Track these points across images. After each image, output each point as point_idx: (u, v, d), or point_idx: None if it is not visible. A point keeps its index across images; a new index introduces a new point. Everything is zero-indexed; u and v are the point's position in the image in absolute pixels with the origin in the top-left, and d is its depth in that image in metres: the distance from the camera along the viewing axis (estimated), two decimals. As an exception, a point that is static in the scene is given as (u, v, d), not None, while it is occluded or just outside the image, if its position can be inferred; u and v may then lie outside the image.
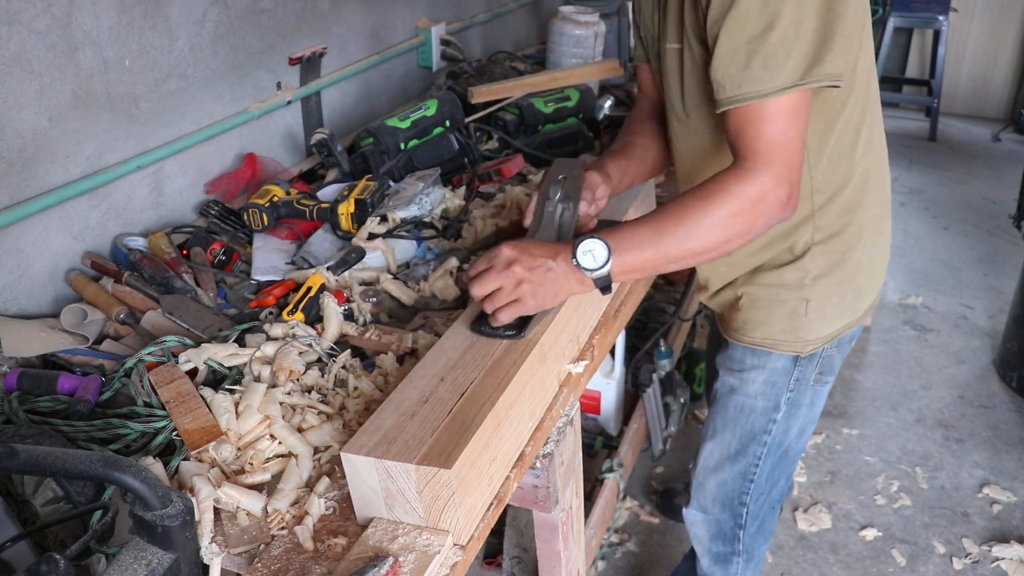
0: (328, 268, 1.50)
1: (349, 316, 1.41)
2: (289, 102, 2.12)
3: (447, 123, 1.98)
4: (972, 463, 2.61)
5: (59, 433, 1.10)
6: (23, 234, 1.48)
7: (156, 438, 1.11)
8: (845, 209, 1.31)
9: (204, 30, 1.82)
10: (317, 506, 1.00)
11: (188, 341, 1.29)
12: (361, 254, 1.56)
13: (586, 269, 1.10)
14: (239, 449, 1.09)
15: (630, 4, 3.11)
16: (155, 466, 1.03)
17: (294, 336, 1.29)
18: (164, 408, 1.14)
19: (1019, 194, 3.09)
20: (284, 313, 1.37)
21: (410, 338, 1.30)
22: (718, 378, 1.55)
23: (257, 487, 1.05)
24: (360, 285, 1.51)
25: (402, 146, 1.91)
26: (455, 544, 0.94)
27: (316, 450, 1.11)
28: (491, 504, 1.02)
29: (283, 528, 0.99)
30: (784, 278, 1.35)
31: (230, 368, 1.24)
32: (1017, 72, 5.68)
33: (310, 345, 1.28)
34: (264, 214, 1.68)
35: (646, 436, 2.43)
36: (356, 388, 1.20)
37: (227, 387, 1.18)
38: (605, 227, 1.18)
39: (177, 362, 1.23)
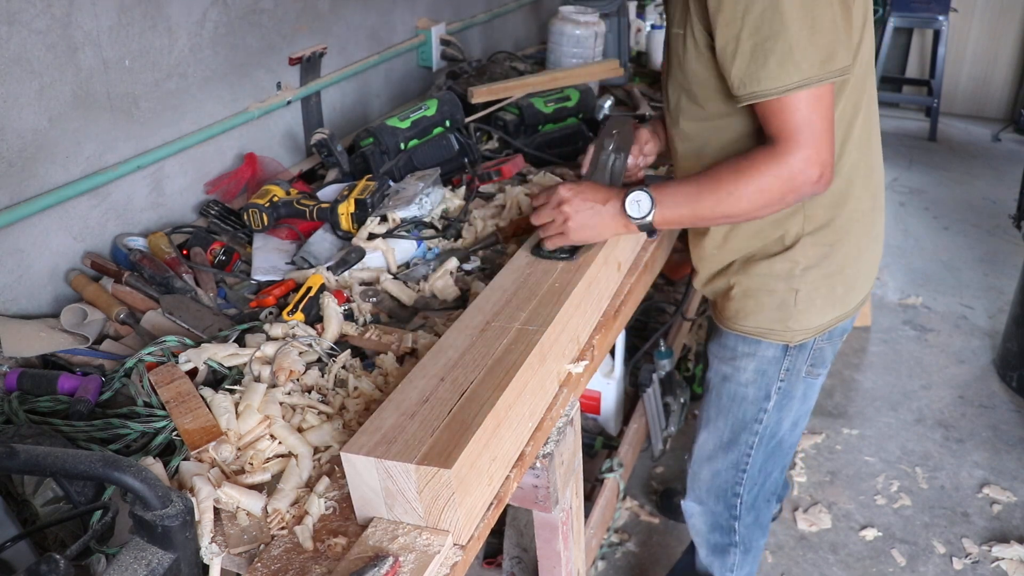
0: (328, 268, 1.50)
1: (349, 316, 1.41)
2: (289, 102, 2.12)
3: (447, 123, 1.98)
4: (972, 463, 2.61)
5: (59, 433, 1.10)
6: (23, 234, 1.48)
7: (156, 438, 1.11)
8: (835, 200, 1.34)
9: (204, 30, 1.82)
10: (317, 506, 1.00)
11: (188, 341, 1.29)
12: (361, 254, 1.56)
13: (632, 217, 1.28)
14: (239, 449, 1.09)
15: (630, 4, 3.11)
16: (155, 466, 1.03)
17: (294, 336, 1.29)
18: (164, 408, 1.14)
19: (1019, 194, 3.09)
20: (284, 313, 1.37)
21: (410, 338, 1.30)
22: (711, 367, 1.58)
23: (257, 487, 1.05)
24: (360, 285, 1.51)
25: (402, 146, 1.90)
26: (455, 544, 0.94)
27: (316, 450, 1.11)
28: (491, 504, 1.02)
29: (283, 528, 0.99)
30: (774, 268, 1.39)
31: (230, 368, 1.24)
32: (1017, 72, 5.68)
33: (310, 345, 1.28)
34: (264, 214, 1.68)
35: (646, 436, 2.43)
36: (356, 388, 1.20)
37: (227, 387, 1.18)
38: (653, 182, 1.34)
39: (177, 362, 1.23)
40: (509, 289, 1.27)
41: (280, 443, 1.11)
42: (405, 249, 1.62)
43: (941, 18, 5.26)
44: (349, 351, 1.29)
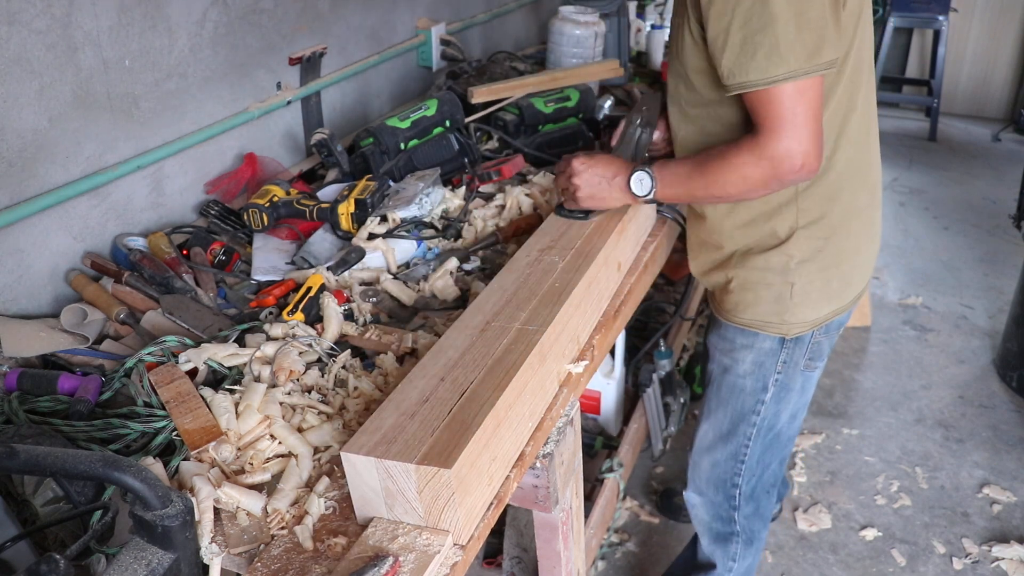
0: (328, 268, 1.50)
1: (349, 316, 1.41)
2: (289, 102, 2.12)
3: (447, 123, 1.98)
4: (972, 463, 2.61)
5: (59, 433, 1.10)
6: (23, 234, 1.48)
7: (156, 438, 1.11)
8: (828, 195, 1.37)
9: (204, 30, 1.82)
10: (317, 506, 1.00)
11: (188, 341, 1.29)
12: (361, 254, 1.56)
13: (636, 193, 1.40)
14: (239, 449, 1.09)
15: (630, 4, 3.11)
16: (155, 466, 1.03)
17: (294, 336, 1.29)
18: (164, 408, 1.14)
19: (1019, 194, 3.09)
20: (284, 313, 1.37)
21: (410, 338, 1.30)
22: (712, 360, 1.61)
23: (257, 487, 1.05)
24: (360, 285, 1.51)
25: (402, 146, 1.90)
26: (455, 544, 0.94)
27: (316, 450, 1.11)
28: (491, 504, 1.02)
29: (283, 528, 0.99)
30: (770, 262, 1.42)
31: (230, 368, 1.24)
32: (1017, 72, 5.68)
33: (310, 345, 1.28)
34: (264, 214, 1.68)
35: (646, 436, 2.43)
36: (356, 388, 1.20)
37: (227, 387, 1.18)
38: (659, 160, 1.44)
39: (177, 362, 1.23)
40: (509, 289, 1.27)
41: (280, 443, 1.11)
42: (405, 249, 1.62)
43: (941, 18, 5.26)
44: (349, 351, 1.29)
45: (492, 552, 2.10)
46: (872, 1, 5.40)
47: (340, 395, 1.20)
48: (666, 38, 2.88)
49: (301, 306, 1.38)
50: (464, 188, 1.84)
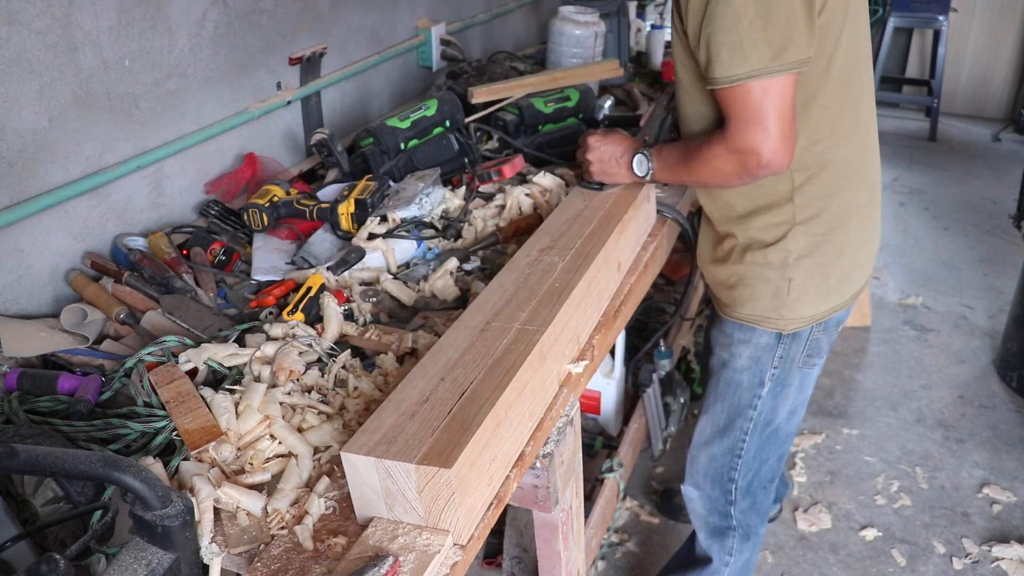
0: (328, 268, 1.50)
1: (349, 316, 1.41)
2: (289, 102, 2.12)
3: (447, 123, 1.98)
4: (972, 463, 2.61)
5: (59, 433, 1.10)
6: (23, 234, 1.48)
7: (156, 438, 1.11)
8: (825, 192, 1.39)
9: (204, 30, 1.82)
10: (317, 506, 1.00)
11: (188, 341, 1.29)
12: (361, 254, 1.56)
13: (637, 173, 1.51)
14: (239, 449, 1.09)
15: (630, 4, 3.11)
16: (155, 466, 1.03)
17: (294, 336, 1.29)
18: (164, 408, 1.14)
19: (1019, 194, 3.09)
20: (284, 313, 1.37)
21: (410, 338, 1.30)
22: (713, 354, 1.64)
23: (257, 487, 1.05)
24: (360, 285, 1.51)
25: (402, 146, 1.90)
26: (455, 544, 0.94)
27: (316, 450, 1.11)
28: (491, 504, 1.02)
29: (283, 528, 0.99)
30: (769, 257, 1.44)
31: (230, 368, 1.24)
32: (1017, 72, 5.68)
33: (310, 345, 1.28)
34: (264, 214, 1.68)
35: (646, 436, 2.43)
36: (356, 388, 1.20)
37: (227, 387, 1.18)
38: (659, 143, 1.54)
39: (177, 362, 1.23)
40: (509, 289, 1.27)
41: (280, 443, 1.11)
42: (405, 249, 1.62)
43: (941, 18, 5.26)
44: (349, 351, 1.29)
45: (492, 552, 2.10)
46: (872, 1, 5.37)
47: (340, 395, 1.20)
48: (667, 37, 2.89)
49: (301, 306, 1.38)
50: (464, 188, 1.84)
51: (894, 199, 4.55)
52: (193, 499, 0.97)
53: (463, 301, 1.46)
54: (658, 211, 1.73)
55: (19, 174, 1.45)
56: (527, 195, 1.76)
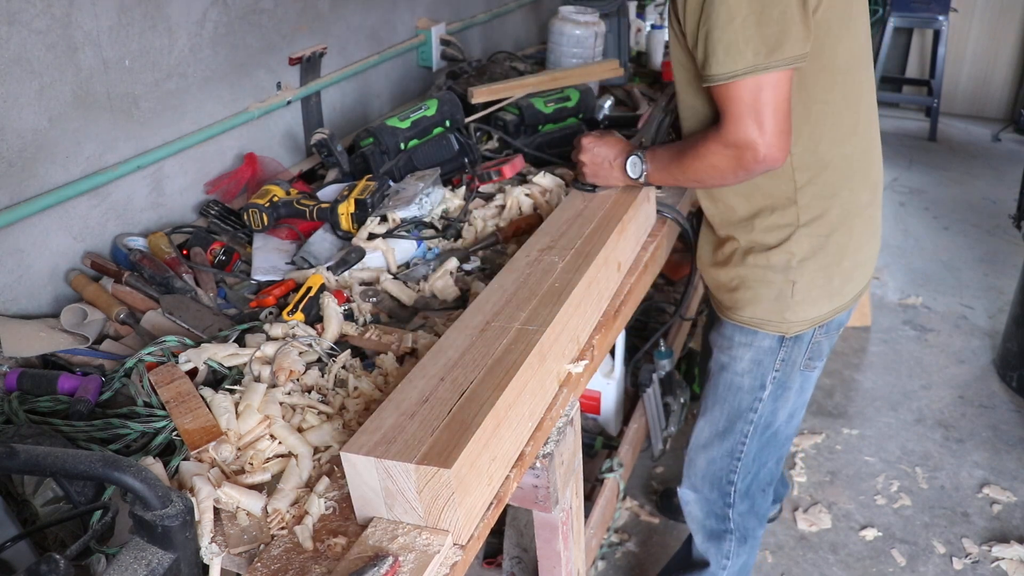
0: (328, 268, 1.50)
1: (349, 316, 1.41)
2: (289, 102, 2.12)
3: (447, 123, 1.98)
4: (972, 463, 2.61)
5: (59, 433, 1.10)
6: (23, 234, 1.48)
7: (156, 438, 1.11)
8: (827, 192, 1.39)
9: (204, 30, 1.82)
10: (317, 506, 1.00)
11: (188, 341, 1.29)
12: (361, 254, 1.56)
13: (630, 175, 1.49)
14: (239, 449, 1.09)
15: (630, 4, 3.12)
16: (155, 466, 1.03)
17: (294, 336, 1.29)
18: (164, 408, 1.14)
19: (1019, 194, 3.09)
20: (284, 313, 1.37)
21: (410, 338, 1.30)
22: (712, 357, 1.63)
23: (257, 487, 1.05)
24: (360, 285, 1.51)
25: (402, 146, 1.90)
26: (455, 544, 0.94)
27: (316, 450, 1.11)
28: (491, 504, 1.02)
29: (283, 528, 0.99)
30: (772, 260, 1.43)
31: (230, 368, 1.24)
32: (1017, 72, 5.68)
33: (310, 345, 1.28)
34: (264, 214, 1.68)
35: (646, 436, 2.43)
36: (356, 388, 1.20)
37: (227, 387, 1.18)
38: (653, 145, 1.55)
39: (177, 362, 1.23)
40: (509, 289, 1.27)
41: (280, 443, 1.11)
42: (405, 249, 1.62)
43: (941, 18, 5.26)
44: (349, 351, 1.29)
45: (492, 552, 2.10)
46: (872, 1, 5.35)
47: (340, 395, 1.20)
48: (667, 38, 2.88)
49: (301, 306, 1.38)
50: (464, 188, 1.84)
51: (894, 199, 4.55)
52: (193, 499, 0.97)
53: (463, 301, 1.46)
54: (658, 211, 1.74)
55: (19, 174, 1.45)
56: (527, 195, 1.76)
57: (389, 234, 1.62)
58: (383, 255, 1.58)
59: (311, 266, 1.58)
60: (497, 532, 1.89)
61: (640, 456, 2.53)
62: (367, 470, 0.92)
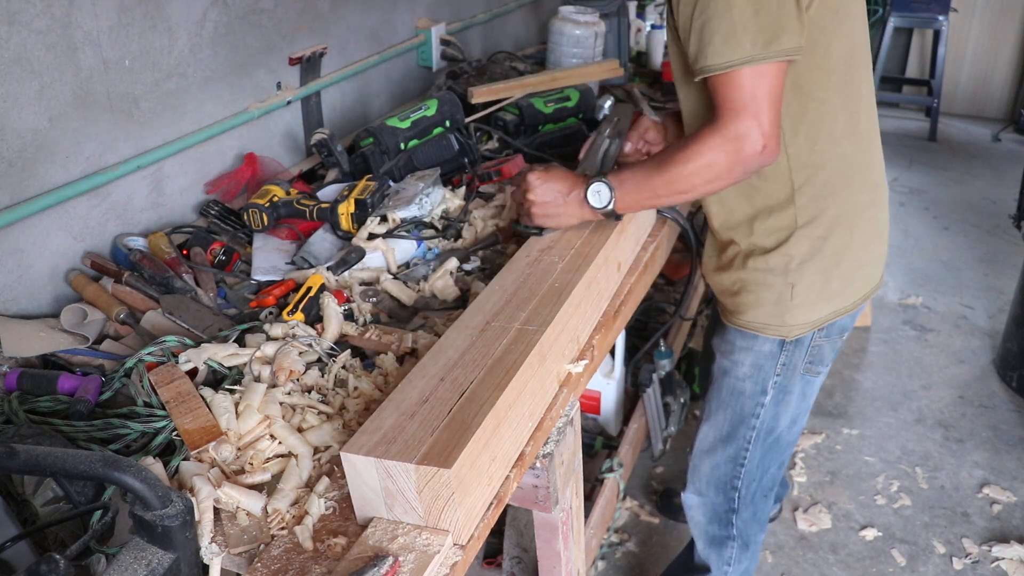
0: (328, 268, 1.50)
1: (349, 316, 1.41)
2: (289, 102, 2.12)
3: (447, 123, 1.98)
4: (972, 463, 2.61)
5: (59, 433, 1.10)
6: (23, 234, 1.48)
7: (156, 438, 1.11)
8: (823, 192, 1.37)
9: (204, 30, 1.82)
10: (317, 506, 1.00)
11: (188, 341, 1.29)
12: (361, 254, 1.56)
13: (594, 206, 1.35)
14: (239, 449, 1.09)
15: (630, 4, 3.11)
16: (155, 466, 1.03)
17: (294, 336, 1.29)
18: (164, 408, 1.14)
19: (1019, 194, 3.09)
20: (284, 313, 1.37)
21: (410, 338, 1.30)
22: (714, 361, 1.61)
23: (257, 487, 1.05)
24: (360, 285, 1.51)
25: (402, 146, 1.90)
26: (455, 544, 0.94)
27: (316, 450, 1.11)
28: (491, 504, 1.02)
29: (283, 528, 0.99)
30: (771, 263, 1.42)
31: (230, 368, 1.24)
32: (1017, 72, 5.68)
33: (310, 345, 1.28)
34: (264, 214, 1.68)
35: (646, 436, 2.43)
36: (356, 388, 1.20)
37: (227, 387, 1.18)
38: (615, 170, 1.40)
39: (177, 362, 1.23)
40: (509, 289, 1.27)
41: (280, 443, 1.11)
42: (405, 249, 1.62)
43: (941, 18, 5.26)
44: (349, 351, 1.29)
45: (492, 552, 2.10)
46: (872, 1, 5.35)
47: (340, 395, 1.20)
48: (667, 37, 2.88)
49: (301, 306, 1.38)
50: (464, 188, 1.84)
51: (894, 199, 4.55)
52: (193, 499, 0.97)
53: (463, 301, 1.46)
54: (658, 211, 1.74)
55: (19, 174, 1.45)
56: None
57: (389, 234, 1.62)
58: (383, 255, 1.58)
59: (311, 266, 1.58)
60: (497, 532, 1.89)
61: (640, 456, 2.53)
62: (367, 470, 0.92)
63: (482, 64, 2.62)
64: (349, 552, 0.92)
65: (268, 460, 1.09)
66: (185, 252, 1.65)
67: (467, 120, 2.08)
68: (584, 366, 1.29)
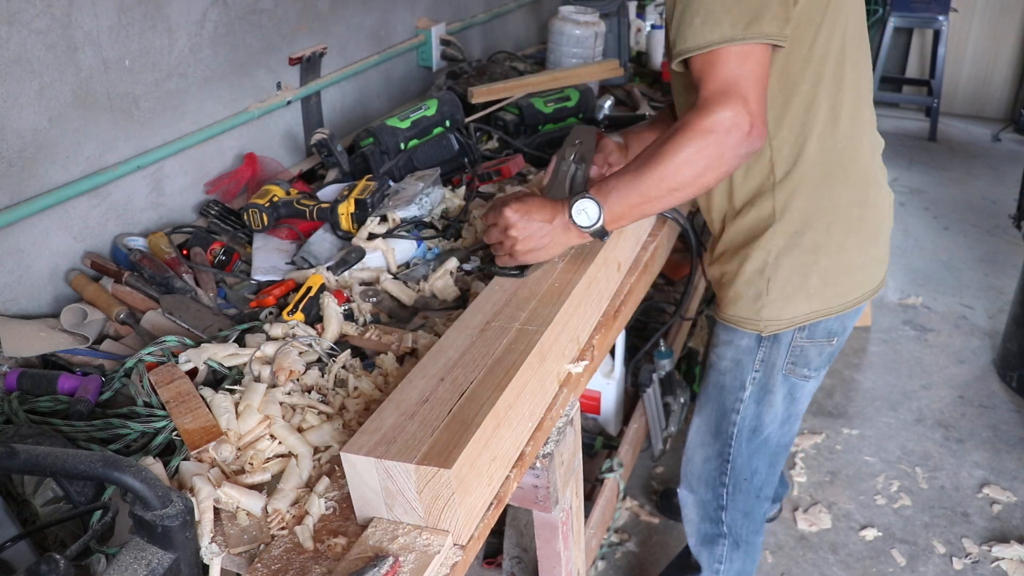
0: (328, 268, 1.50)
1: (349, 316, 1.41)
2: (289, 102, 2.12)
3: (447, 123, 1.98)
4: (972, 463, 2.61)
5: (59, 433, 1.10)
6: (23, 234, 1.48)
7: (156, 438, 1.11)
8: (801, 187, 1.37)
9: (204, 30, 1.82)
10: (317, 506, 1.00)
11: (188, 341, 1.29)
12: (361, 254, 1.56)
13: (582, 226, 1.24)
14: (239, 449, 1.09)
15: (630, 4, 3.11)
16: (155, 466, 1.03)
17: (294, 336, 1.29)
18: (164, 408, 1.14)
19: (1019, 194, 3.09)
20: (284, 313, 1.37)
21: (410, 338, 1.30)
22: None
23: (257, 487, 1.05)
24: (360, 285, 1.51)
25: (402, 146, 1.90)
26: (455, 544, 0.94)
27: (316, 450, 1.11)
28: (491, 504, 1.02)
29: (283, 528, 0.99)
30: (751, 255, 1.42)
31: (230, 368, 1.24)
32: (1017, 72, 5.68)
33: (310, 345, 1.28)
34: (264, 214, 1.68)
35: (646, 436, 2.43)
36: (356, 388, 1.20)
37: (227, 387, 1.18)
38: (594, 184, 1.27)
39: (177, 362, 1.23)
40: (509, 289, 1.27)
41: (280, 443, 1.11)
42: (405, 249, 1.62)
43: (941, 18, 5.26)
44: (349, 351, 1.29)
45: (492, 552, 2.10)
46: (872, 1, 5.34)
47: (340, 395, 1.20)
48: (666, 38, 2.88)
49: (301, 306, 1.38)
50: (464, 188, 1.84)
51: (894, 199, 4.56)
52: (193, 499, 0.97)
53: (463, 301, 1.46)
54: None
55: (19, 174, 1.45)
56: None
57: (389, 234, 1.62)
58: (383, 255, 1.58)
59: (311, 266, 1.58)
60: (497, 532, 1.89)
61: (640, 456, 2.53)
62: (367, 470, 0.92)
63: (482, 64, 2.62)
64: (349, 552, 0.92)
65: (268, 460, 1.09)
66: (185, 252, 1.65)
67: (467, 120, 2.08)
68: (584, 366, 1.29)
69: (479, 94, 2.18)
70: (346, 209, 1.64)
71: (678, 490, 1.81)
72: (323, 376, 1.23)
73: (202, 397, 1.15)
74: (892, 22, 5.34)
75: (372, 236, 1.60)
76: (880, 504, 2.45)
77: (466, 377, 1.04)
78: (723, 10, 1.15)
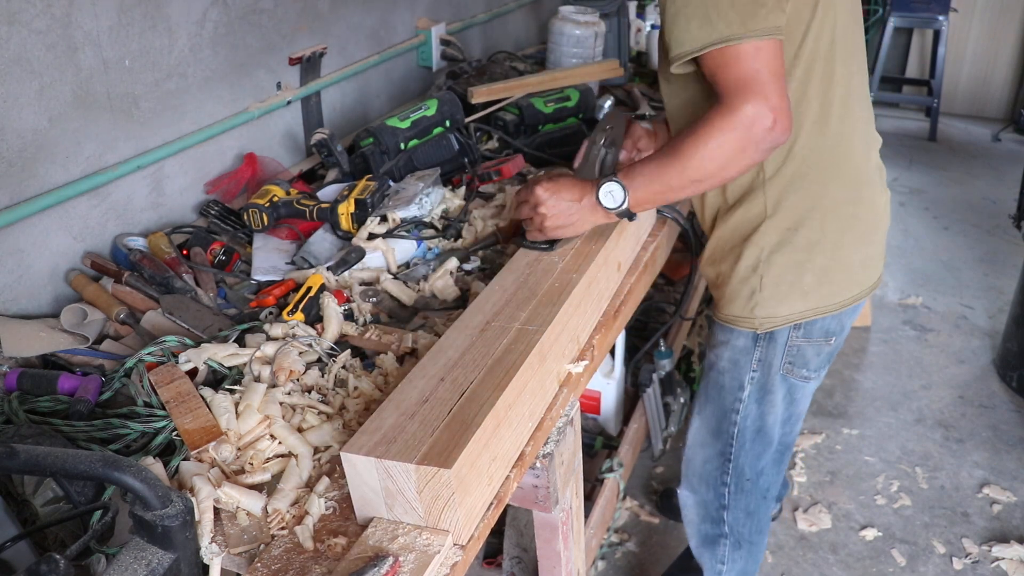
0: (328, 268, 1.50)
1: (349, 316, 1.41)
2: (289, 102, 2.12)
3: (447, 123, 1.98)
4: (972, 463, 2.61)
5: (59, 433, 1.10)
6: (23, 234, 1.48)
7: (156, 438, 1.11)
8: (792, 183, 1.36)
9: (204, 30, 1.82)
10: (317, 506, 1.00)
11: (188, 341, 1.29)
12: (361, 254, 1.56)
13: (608, 207, 1.31)
14: (239, 449, 1.09)
15: (630, 4, 3.11)
16: (155, 466, 1.03)
17: (294, 336, 1.29)
18: (164, 408, 1.14)
19: (1019, 194, 3.09)
20: (284, 313, 1.37)
21: (410, 338, 1.30)
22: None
23: (257, 487, 1.05)
24: (360, 285, 1.51)
25: (402, 146, 1.90)
26: (455, 544, 0.94)
27: (316, 450, 1.11)
28: (491, 504, 1.02)
29: (283, 528, 0.99)
30: (744, 254, 1.42)
31: (230, 368, 1.24)
32: (1017, 72, 5.68)
33: (310, 345, 1.28)
34: (264, 214, 1.68)
35: (646, 436, 2.43)
36: (356, 388, 1.20)
37: (227, 387, 1.18)
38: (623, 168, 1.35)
39: (177, 362, 1.23)
40: (509, 289, 1.27)
41: (280, 443, 1.11)
42: (405, 249, 1.62)
43: (941, 18, 5.26)
44: (349, 351, 1.29)
45: (492, 552, 2.10)
46: (872, 1, 5.34)
47: (340, 395, 1.20)
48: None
49: (301, 306, 1.38)
50: (464, 188, 1.84)
51: (894, 199, 4.53)
52: (193, 499, 0.97)
53: (463, 301, 1.46)
54: (658, 211, 1.74)
55: (19, 174, 1.45)
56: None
57: (389, 234, 1.62)
58: (383, 255, 1.58)
59: (311, 266, 1.58)
60: (497, 532, 1.89)
61: (640, 456, 2.53)
62: (367, 470, 0.92)
63: (482, 64, 2.62)
64: (349, 552, 0.92)
65: (268, 460, 1.09)
66: (185, 252, 1.65)
67: (467, 120, 2.08)
68: (584, 366, 1.29)
69: (479, 94, 2.18)
70: (346, 209, 1.64)
71: (678, 491, 1.80)
72: (323, 376, 1.23)
73: (202, 397, 1.15)
74: (892, 22, 5.34)
75: (372, 236, 1.60)
76: (880, 504, 2.45)
77: (466, 377, 1.04)
78: (716, 12, 1.15)
